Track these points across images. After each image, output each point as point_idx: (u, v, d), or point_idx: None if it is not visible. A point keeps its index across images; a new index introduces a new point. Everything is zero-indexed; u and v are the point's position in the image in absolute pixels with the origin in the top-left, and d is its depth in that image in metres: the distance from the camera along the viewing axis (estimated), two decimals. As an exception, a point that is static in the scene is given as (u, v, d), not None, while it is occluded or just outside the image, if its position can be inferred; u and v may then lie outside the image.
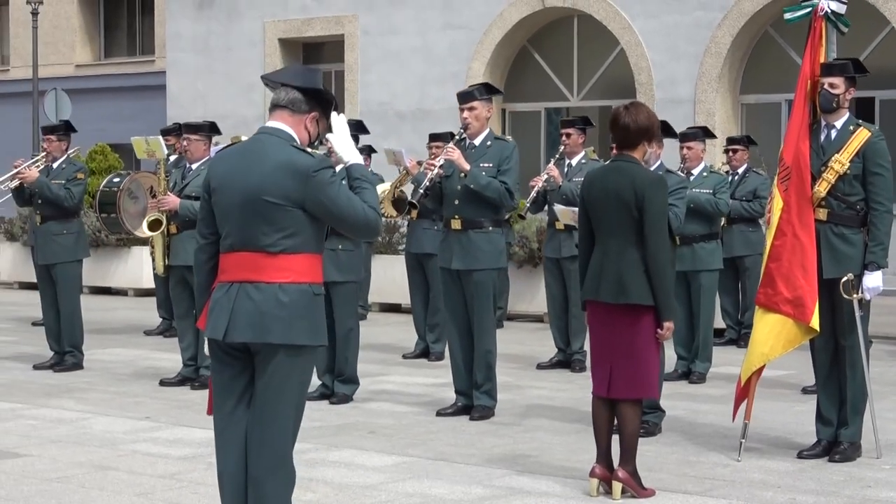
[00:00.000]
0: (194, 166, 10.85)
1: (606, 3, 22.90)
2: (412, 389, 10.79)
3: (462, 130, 9.43)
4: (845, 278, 7.92)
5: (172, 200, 10.74)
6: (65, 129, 12.30)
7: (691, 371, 11.25)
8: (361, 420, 9.39)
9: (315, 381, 10.17)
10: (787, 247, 8.01)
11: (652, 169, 8.98)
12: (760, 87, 22.24)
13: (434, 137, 12.83)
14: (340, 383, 10.16)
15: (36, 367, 11.93)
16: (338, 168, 5.61)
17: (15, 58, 34.11)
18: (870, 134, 8.04)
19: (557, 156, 11.91)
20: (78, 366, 11.88)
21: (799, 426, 8.94)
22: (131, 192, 12.93)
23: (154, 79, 29.94)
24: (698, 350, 11.26)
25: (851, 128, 8.08)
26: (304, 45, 26.93)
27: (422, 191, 9.45)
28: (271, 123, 5.61)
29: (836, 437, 8.12)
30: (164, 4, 28.88)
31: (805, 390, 10.43)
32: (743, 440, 8.12)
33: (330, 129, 5.71)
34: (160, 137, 11.99)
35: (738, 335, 13.53)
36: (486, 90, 9.58)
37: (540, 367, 12.01)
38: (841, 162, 7.98)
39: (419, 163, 12.20)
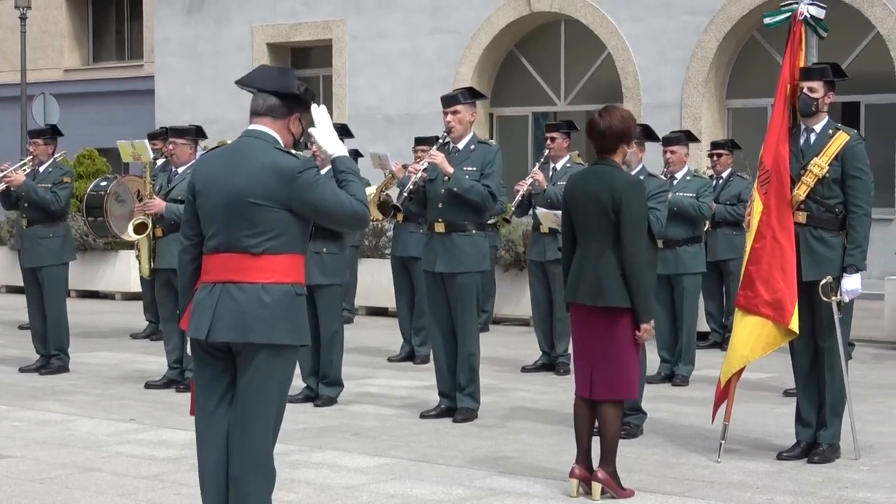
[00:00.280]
0: (180, 170, 10.89)
1: (593, 7, 22.99)
2: (396, 392, 10.85)
3: (445, 134, 9.50)
4: (824, 281, 7.99)
5: (158, 204, 10.79)
6: (51, 133, 12.33)
7: (674, 374, 11.32)
8: (345, 422, 9.45)
9: (300, 384, 10.24)
10: (767, 249, 8.08)
11: (634, 172, 9.09)
12: (747, 91, 22.33)
13: (420, 141, 12.90)
14: (325, 386, 10.21)
15: (22, 370, 11.96)
16: (324, 170, 5.66)
17: (3, 62, 34.10)
18: (849, 137, 8.11)
19: (542, 160, 11.97)
20: (64, 369, 11.92)
21: (779, 428, 9.00)
22: (118, 196, 12.97)
23: (142, 83, 29.95)
24: (681, 353, 11.33)
25: (830, 131, 8.15)
26: (292, 49, 27.00)
27: (405, 194, 9.52)
28: (255, 127, 5.65)
29: (816, 439, 8.18)
30: (152, 9, 28.92)
31: (786, 393, 10.49)
32: (722, 441, 8.18)
33: (312, 123, 5.75)
34: (146, 141, 12.02)
35: (723, 338, 13.57)
36: (470, 94, 9.66)
37: (524, 369, 12.07)
38: (820, 165, 8.04)
39: (404, 166, 12.25)
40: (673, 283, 11.30)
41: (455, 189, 9.32)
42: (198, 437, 5.69)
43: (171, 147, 11.03)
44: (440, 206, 9.45)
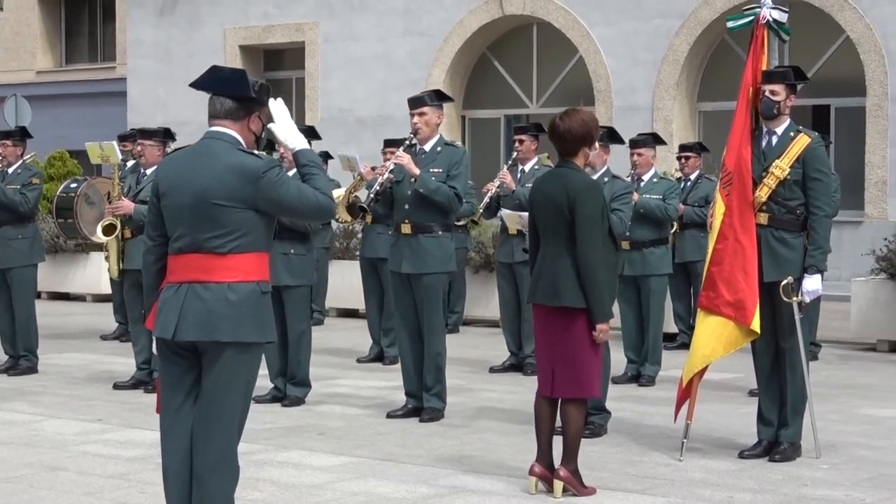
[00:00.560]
0: (149, 171, 10.91)
1: (565, 10, 23.09)
2: (364, 392, 10.90)
3: (412, 136, 9.56)
4: (785, 281, 8.07)
5: (127, 205, 10.82)
6: (20, 135, 12.33)
7: (641, 374, 11.41)
8: (312, 422, 9.49)
9: (267, 384, 10.29)
10: (729, 250, 8.16)
11: (598, 174, 9.16)
12: (718, 94, 22.44)
13: (389, 143, 12.93)
14: (292, 386, 10.25)
15: (-10, 371, 11.98)
16: (291, 172, 5.71)
17: (-24, 64, 34.03)
18: (810, 140, 8.20)
19: (511, 162, 12.04)
20: (32, 370, 11.92)
21: (743, 427, 9.08)
22: (88, 198, 13.00)
23: (115, 85, 29.92)
24: (648, 353, 11.42)
25: (792, 134, 8.24)
26: (264, 51, 27.04)
27: (372, 195, 9.58)
28: (216, 128, 5.70)
29: (777, 438, 8.27)
30: (125, 11, 28.91)
31: (751, 393, 10.55)
32: (685, 440, 8.26)
33: (272, 118, 5.80)
34: (114, 143, 12.05)
35: (691, 339, 13.65)
36: (437, 96, 9.73)
37: (492, 370, 12.14)
38: (781, 167, 8.13)
39: (373, 168, 12.29)
40: (640, 284, 11.40)
41: (421, 190, 9.38)
42: (162, 435, 5.74)
43: (139, 149, 11.07)
44: (407, 207, 9.51)
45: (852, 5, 20.63)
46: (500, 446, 8.61)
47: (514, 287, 12.02)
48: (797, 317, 8.11)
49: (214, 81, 5.71)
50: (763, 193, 8.15)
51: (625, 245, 11.27)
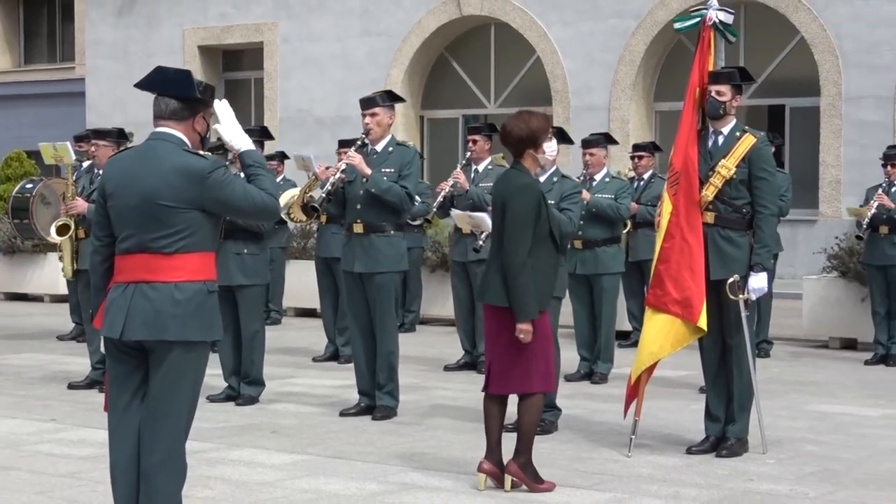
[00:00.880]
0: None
1: (523, 11, 23.19)
2: (318, 391, 10.96)
3: (364, 136, 9.63)
4: (731, 279, 8.18)
5: (81, 205, 10.84)
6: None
7: (593, 372, 11.51)
8: (265, 420, 9.54)
9: (221, 384, 10.33)
10: (676, 249, 8.27)
11: (548, 174, 9.23)
12: (674, 94, 22.53)
13: (343, 143, 12.98)
14: (246, 385, 10.30)
15: (-55, 372, 11.97)
16: (242, 174, 5.77)
17: (-66, 64, 33.85)
18: (755, 140, 8.31)
19: (465, 161, 12.12)
20: (-12, 370, 11.94)
21: (692, 424, 9.18)
22: (44, 198, 13.00)
23: (74, 85, 29.81)
24: (600, 351, 11.53)
25: (738, 134, 8.35)
26: (223, 52, 27.03)
27: (323, 195, 9.64)
28: (161, 129, 5.73)
29: (724, 434, 8.38)
30: (84, 11, 28.84)
31: (702, 390, 10.60)
32: (633, 437, 8.36)
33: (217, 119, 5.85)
34: (68, 143, 12.05)
35: (644, 337, 13.77)
36: (389, 97, 9.81)
37: (447, 368, 12.22)
38: (727, 167, 8.24)
39: (328, 168, 12.34)
40: (592, 282, 11.51)
41: (373, 190, 9.45)
42: (110, 433, 5.79)
43: (93, 149, 11.09)
44: (358, 207, 9.58)
45: (806, 6, 20.80)
46: (451, 443, 8.69)
47: (468, 286, 12.09)
48: (743, 314, 8.23)
49: (159, 82, 5.75)
50: (709, 193, 8.26)
51: (577, 244, 11.40)
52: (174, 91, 5.69)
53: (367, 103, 9.67)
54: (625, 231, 12.92)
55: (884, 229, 12.73)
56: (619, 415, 9.31)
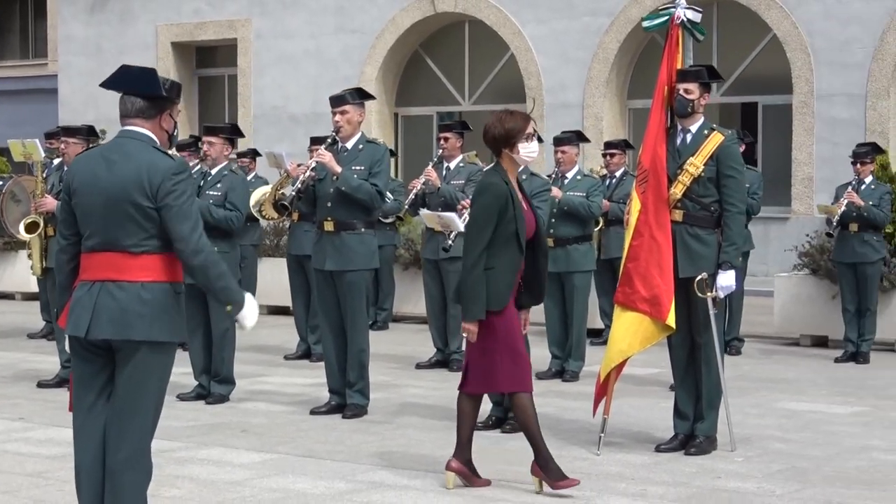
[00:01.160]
0: (72, 169, 10.89)
1: (497, 8, 23.19)
2: (289, 389, 10.94)
3: (334, 134, 9.63)
4: (699, 277, 8.20)
5: (50, 202, 10.81)
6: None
7: (565, 370, 11.52)
8: (235, 419, 9.53)
9: (192, 382, 10.31)
10: (645, 247, 8.28)
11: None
12: (647, 92, 22.39)
13: (315, 141, 12.95)
14: (216, 384, 10.28)
15: (-86, 371, 11.91)
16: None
17: None
18: (723, 138, 8.33)
19: (436, 159, 12.12)
20: (-43, 369, 11.88)
21: (661, 421, 9.20)
22: (14, 196, 12.89)
23: (47, 82, 29.70)
24: (572, 349, 11.54)
25: (706, 132, 8.37)
26: (196, 48, 26.96)
27: (293, 192, 9.63)
28: (130, 127, 5.72)
29: (693, 431, 8.40)
30: (56, 8, 28.73)
31: (672, 388, 10.68)
32: (602, 434, 8.38)
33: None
34: (37, 140, 12.00)
35: (616, 335, 13.79)
36: (359, 94, 9.81)
37: (419, 366, 12.21)
38: (696, 165, 8.26)
39: (299, 165, 12.34)
40: (563, 280, 11.53)
41: (343, 188, 9.45)
42: (75, 433, 5.76)
43: (63, 146, 11.05)
44: (329, 204, 9.57)
45: (779, 4, 20.85)
46: (421, 442, 8.68)
47: (440, 284, 12.08)
48: (711, 312, 8.25)
49: (124, 81, 5.73)
50: (678, 190, 8.28)
51: (549, 242, 11.39)
52: (139, 89, 5.68)
53: (336, 101, 9.66)
54: (596, 229, 12.96)
55: (853, 227, 12.78)
56: (589, 413, 9.33)
